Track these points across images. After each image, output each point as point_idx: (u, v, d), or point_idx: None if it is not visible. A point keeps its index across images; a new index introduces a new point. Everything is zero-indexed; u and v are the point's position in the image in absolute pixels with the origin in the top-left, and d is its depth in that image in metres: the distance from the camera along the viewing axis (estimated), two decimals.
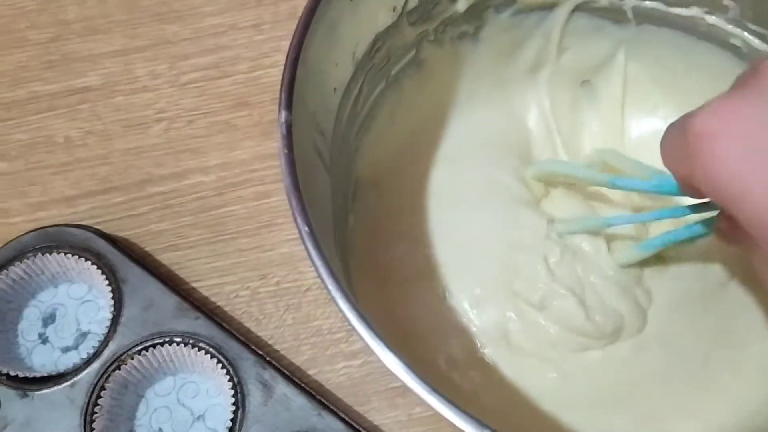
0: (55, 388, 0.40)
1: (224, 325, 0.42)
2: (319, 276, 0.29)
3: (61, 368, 0.41)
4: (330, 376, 0.44)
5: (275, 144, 0.49)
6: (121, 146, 0.50)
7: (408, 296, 0.41)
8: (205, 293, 0.46)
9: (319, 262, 0.29)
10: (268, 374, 0.41)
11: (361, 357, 0.44)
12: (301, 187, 0.30)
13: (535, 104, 0.45)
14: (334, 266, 0.29)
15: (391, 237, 0.42)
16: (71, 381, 0.41)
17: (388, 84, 0.42)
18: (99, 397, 0.40)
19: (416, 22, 0.40)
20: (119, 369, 0.41)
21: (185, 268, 0.46)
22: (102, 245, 0.44)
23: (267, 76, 0.51)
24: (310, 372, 0.44)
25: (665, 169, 0.31)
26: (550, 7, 0.42)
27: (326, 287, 0.28)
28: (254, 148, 0.49)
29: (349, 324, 0.28)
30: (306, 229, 0.29)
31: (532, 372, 0.39)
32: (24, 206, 0.48)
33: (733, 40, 0.40)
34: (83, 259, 0.43)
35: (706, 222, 0.36)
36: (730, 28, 0.40)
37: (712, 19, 0.40)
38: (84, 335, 0.44)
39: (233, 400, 0.40)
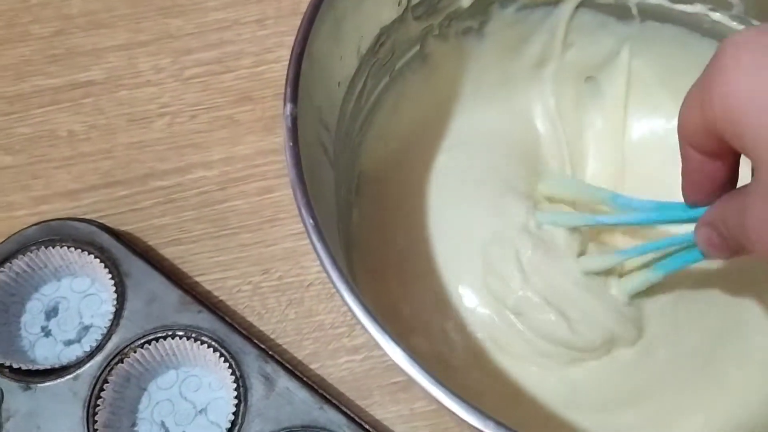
0: (58, 380, 0.41)
1: (227, 319, 0.42)
2: (324, 269, 0.29)
3: (64, 361, 0.41)
4: (332, 370, 0.44)
5: (278, 139, 0.50)
6: (125, 140, 0.50)
7: (409, 291, 0.41)
8: (208, 287, 0.46)
9: (324, 255, 0.29)
10: (271, 368, 0.41)
11: (363, 352, 0.44)
12: (306, 181, 0.30)
13: (539, 100, 0.45)
14: (338, 260, 0.29)
15: (394, 231, 0.42)
16: (74, 374, 0.41)
17: (392, 78, 0.42)
18: (102, 390, 0.40)
19: (421, 17, 0.40)
20: (122, 362, 0.41)
21: (188, 263, 0.46)
22: (105, 239, 0.44)
23: (270, 71, 0.51)
24: (313, 366, 0.44)
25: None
26: (555, 3, 0.42)
27: (331, 280, 0.29)
28: (257, 143, 0.49)
29: (354, 316, 0.28)
30: (311, 221, 0.29)
31: (532, 376, 0.39)
32: (27, 200, 0.49)
33: None
34: (86, 252, 0.43)
35: None
36: (734, 24, 0.39)
37: (716, 15, 0.40)
38: (86, 328, 0.44)
39: (235, 393, 0.40)
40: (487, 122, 0.44)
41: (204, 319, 0.42)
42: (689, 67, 0.42)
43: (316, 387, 0.41)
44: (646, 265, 0.40)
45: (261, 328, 0.45)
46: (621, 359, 0.40)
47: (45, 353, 0.43)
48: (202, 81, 0.51)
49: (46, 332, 0.44)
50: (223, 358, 0.41)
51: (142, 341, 0.41)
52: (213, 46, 0.52)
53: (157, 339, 0.41)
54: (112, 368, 0.41)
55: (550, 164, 0.44)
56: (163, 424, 0.42)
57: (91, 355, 0.41)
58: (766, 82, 0.24)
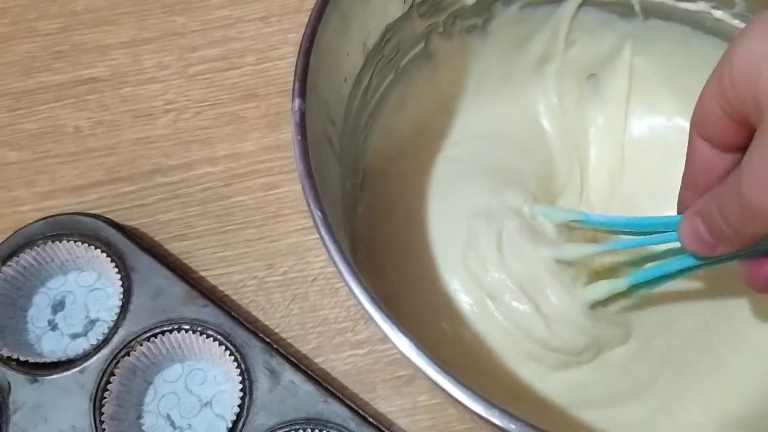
0: (65, 373, 0.41)
1: (232, 313, 0.43)
2: (333, 261, 0.29)
3: (71, 354, 0.41)
4: (336, 364, 0.44)
5: (283, 136, 0.50)
6: (130, 137, 0.50)
7: (411, 286, 0.41)
8: (213, 282, 0.46)
9: (332, 247, 0.29)
10: (275, 361, 0.41)
11: (366, 346, 0.44)
12: (314, 175, 0.30)
13: (542, 97, 0.45)
14: (345, 252, 0.30)
15: (396, 226, 0.42)
16: (81, 366, 0.41)
17: (397, 75, 0.42)
18: (108, 382, 0.41)
19: (426, 14, 0.41)
20: (128, 355, 0.41)
21: (193, 258, 0.47)
22: (112, 234, 0.44)
23: (275, 68, 0.52)
24: (317, 360, 0.44)
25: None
26: (558, 1, 0.42)
27: (339, 272, 0.29)
28: (262, 140, 0.50)
29: (362, 307, 0.28)
30: (319, 214, 0.29)
31: (528, 378, 0.39)
32: (33, 195, 0.49)
33: None
34: (93, 247, 0.44)
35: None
36: (736, 22, 0.40)
37: (718, 13, 0.40)
38: (93, 322, 0.44)
39: (240, 386, 0.40)
40: (490, 119, 0.45)
41: (209, 313, 0.42)
42: (691, 65, 0.43)
43: (320, 380, 0.41)
44: (613, 274, 0.39)
45: (266, 323, 0.45)
46: (616, 358, 0.40)
47: (51, 347, 0.44)
48: (206, 78, 0.52)
49: (53, 326, 0.44)
50: (228, 352, 0.41)
51: (148, 335, 0.42)
52: (217, 43, 0.52)
53: (163, 332, 0.42)
54: (118, 361, 0.41)
55: (556, 160, 0.45)
56: (168, 416, 0.42)
57: (97, 349, 0.41)
58: None
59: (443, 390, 0.27)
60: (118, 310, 0.42)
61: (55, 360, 0.41)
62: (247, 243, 0.47)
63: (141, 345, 0.41)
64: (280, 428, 0.39)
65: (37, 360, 0.41)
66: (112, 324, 0.42)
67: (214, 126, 0.50)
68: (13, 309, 0.44)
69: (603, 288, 0.38)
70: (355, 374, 0.44)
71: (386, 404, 0.43)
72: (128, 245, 0.44)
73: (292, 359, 0.42)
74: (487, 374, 0.39)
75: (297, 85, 0.32)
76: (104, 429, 0.40)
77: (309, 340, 0.45)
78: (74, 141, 0.50)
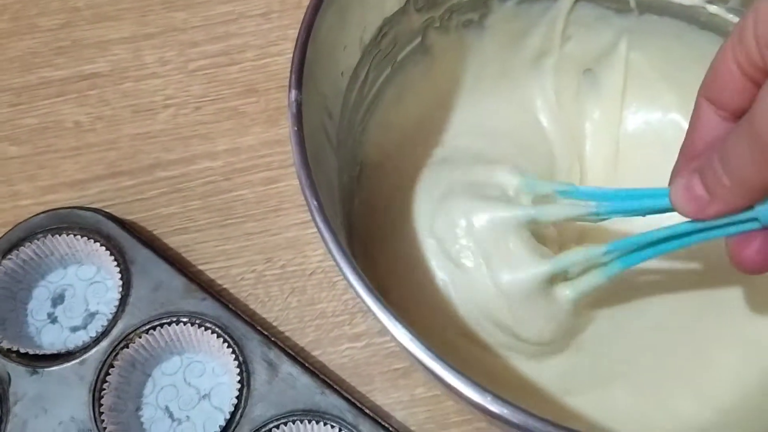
0: (65, 365, 0.41)
1: (230, 306, 0.43)
2: (328, 249, 0.29)
3: (71, 347, 0.42)
4: (333, 357, 0.44)
5: (282, 131, 0.50)
6: (130, 131, 0.51)
7: (405, 279, 0.41)
8: (212, 275, 0.46)
9: (328, 236, 0.29)
10: (273, 353, 0.41)
11: (364, 339, 0.45)
12: (311, 165, 0.31)
13: (538, 92, 0.45)
14: (342, 242, 0.30)
15: (391, 219, 0.43)
16: (80, 358, 0.41)
17: (393, 70, 0.42)
18: (107, 374, 0.41)
19: (423, 9, 0.41)
20: (127, 347, 0.41)
21: (193, 251, 0.47)
22: (112, 227, 0.45)
23: (274, 63, 0.52)
24: (315, 353, 0.44)
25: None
26: None
27: (335, 259, 0.29)
28: (262, 135, 0.50)
29: (359, 297, 0.29)
30: (315, 203, 0.30)
31: (511, 365, 0.39)
32: (33, 189, 0.49)
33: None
34: (92, 240, 0.44)
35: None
36: (730, 17, 0.40)
37: (713, 8, 0.40)
38: (92, 315, 0.45)
39: (239, 378, 0.41)
40: (487, 114, 0.45)
41: (208, 306, 0.42)
42: (686, 59, 0.43)
43: (318, 373, 0.41)
44: (590, 268, 0.37)
45: (264, 316, 0.45)
46: (589, 341, 0.40)
47: (51, 339, 0.44)
48: (207, 73, 0.52)
49: (53, 319, 0.45)
50: (226, 344, 0.41)
51: (147, 327, 0.42)
52: (218, 38, 0.53)
53: (161, 325, 0.42)
54: (117, 353, 0.41)
55: (553, 155, 0.45)
56: (167, 408, 0.42)
57: (97, 341, 0.42)
58: None
59: (443, 381, 0.27)
60: (117, 303, 0.43)
61: (55, 352, 0.41)
62: (248, 236, 0.47)
63: (140, 337, 0.42)
64: (277, 420, 0.40)
65: (38, 352, 0.41)
66: (111, 317, 0.42)
67: (214, 121, 0.51)
68: (14, 302, 0.44)
69: (579, 256, 0.36)
70: (353, 367, 0.44)
71: (383, 396, 0.43)
72: (127, 239, 0.44)
73: (290, 352, 0.42)
74: (469, 364, 0.39)
75: (294, 76, 0.32)
76: (103, 420, 0.40)
77: (307, 333, 0.45)
78: (75, 136, 0.51)
